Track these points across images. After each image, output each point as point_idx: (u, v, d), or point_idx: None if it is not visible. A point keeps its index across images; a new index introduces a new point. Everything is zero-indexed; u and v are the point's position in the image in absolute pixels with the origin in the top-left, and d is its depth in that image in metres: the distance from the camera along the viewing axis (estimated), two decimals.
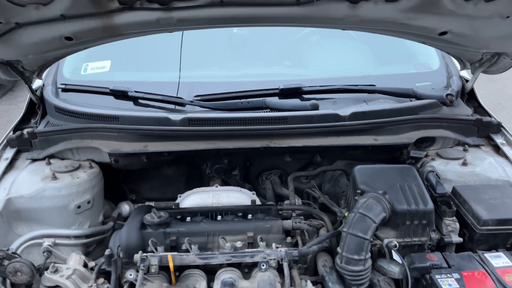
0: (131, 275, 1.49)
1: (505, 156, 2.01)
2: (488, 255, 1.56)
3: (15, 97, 6.61)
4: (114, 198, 2.17)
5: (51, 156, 2.00)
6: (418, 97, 2.09)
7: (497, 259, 1.55)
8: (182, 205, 1.95)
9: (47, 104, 2.13)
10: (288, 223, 1.74)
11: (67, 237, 1.83)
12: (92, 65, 2.34)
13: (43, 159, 1.98)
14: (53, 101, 2.08)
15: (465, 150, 2.03)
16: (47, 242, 1.76)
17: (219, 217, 1.81)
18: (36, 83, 2.19)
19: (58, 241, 1.80)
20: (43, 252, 1.72)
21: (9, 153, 1.99)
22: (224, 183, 2.22)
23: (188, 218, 1.79)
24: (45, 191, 1.78)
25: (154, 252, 1.57)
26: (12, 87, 6.88)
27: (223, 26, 1.81)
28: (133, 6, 1.63)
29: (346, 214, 1.70)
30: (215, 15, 1.67)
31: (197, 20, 1.69)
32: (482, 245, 1.65)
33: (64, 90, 2.16)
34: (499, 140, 2.10)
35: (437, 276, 1.47)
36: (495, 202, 1.69)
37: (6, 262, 1.57)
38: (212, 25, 1.76)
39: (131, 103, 2.09)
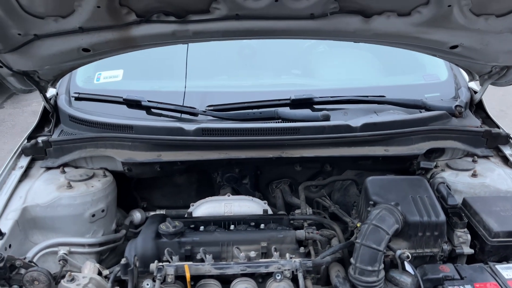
0: (148, 284, 1.50)
1: None
2: (499, 267, 1.58)
3: (19, 101, 6.65)
4: (125, 205, 2.19)
5: (65, 165, 2.02)
6: (427, 108, 2.12)
7: (508, 271, 1.57)
8: (194, 214, 1.97)
9: (61, 113, 2.15)
10: (301, 233, 1.76)
11: (82, 245, 1.85)
12: (105, 74, 2.37)
13: (58, 167, 2.00)
14: (67, 110, 2.11)
15: (474, 161, 2.06)
16: (62, 251, 1.78)
17: (232, 227, 1.83)
18: (50, 92, 2.21)
19: (73, 249, 1.82)
20: (59, 261, 1.74)
21: (24, 161, 2.01)
22: (235, 191, 2.25)
23: (202, 227, 1.82)
24: (61, 199, 1.80)
25: (169, 262, 1.59)
26: None
27: (237, 39, 1.84)
28: (150, 19, 1.66)
29: (358, 225, 1.72)
30: (230, 28, 1.70)
31: (212, 32, 1.73)
32: (493, 256, 1.67)
33: (77, 99, 2.18)
34: (507, 151, 2.12)
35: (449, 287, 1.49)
36: (506, 214, 1.71)
37: (23, 271, 1.59)
38: (227, 38, 1.79)
39: (143, 112, 2.11)
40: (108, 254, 2.00)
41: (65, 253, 1.77)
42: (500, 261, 1.65)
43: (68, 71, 2.00)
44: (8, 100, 6.64)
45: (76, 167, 2.04)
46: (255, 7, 1.59)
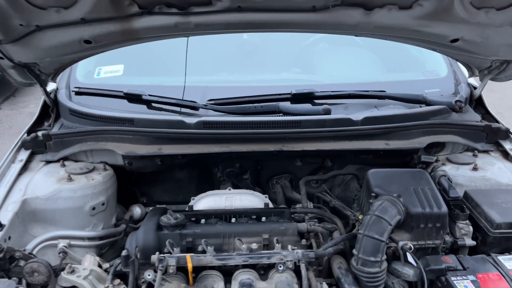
0: (149, 275, 1.49)
1: None
2: (501, 258, 1.58)
3: (17, 102, 6.63)
4: (125, 201, 2.18)
5: (65, 159, 2.01)
6: (428, 103, 2.13)
7: (511, 262, 1.57)
8: (195, 208, 1.96)
9: (61, 107, 2.14)
10: (303, 226, 1.76)
11: (82, 238, 1.84)
12: (106, 69, 2.36)
13: (57, 161, 1.99)
14: (67, 103, 2.10)
15: (474, 155, 2.06)
16: (62, 243, 1.77)
17: (233, 220, 1.83)
18: (50, 87, 2.20)
19: (72, 242, 1.81)
20: (59, 253, 1.73)
21: (24, 155, 2.00)
22: (235, 186, 2.23)
23: (203, 220, 1.81)
24: (61, 192, 1.79)
25: (170, 253, 1.58)
26: (14, 93, 6.89)
27: (240, 31, 1.85)
28: (152, 10, 1.66)
29: (360, 217, 1.72)
30: (232, 20, 1.70)
31: (214, 25, 1.72)
32: (495, 248, 1.67)
33: (78, 93, 2.17)
34: (507, 146, 2.13)
35: (452, 278, 1.48)
36: (507, 206, 1.71)
37: (22, 263, 1.58)
38: (229, 30, 1.79)
39: (144, 106, 2.11)
40: (107, 249, 1.98)
41: (65, 246, 1.76)
42: (502, 252, 1.64)
43: (69, 64, 1.99)
44: (5, 102, 6.62)
45: (76, 161, 2.03)
46: None
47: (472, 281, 1.47)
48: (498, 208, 1.70)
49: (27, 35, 1.69)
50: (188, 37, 1.87)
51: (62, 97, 2.15)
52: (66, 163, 1.98)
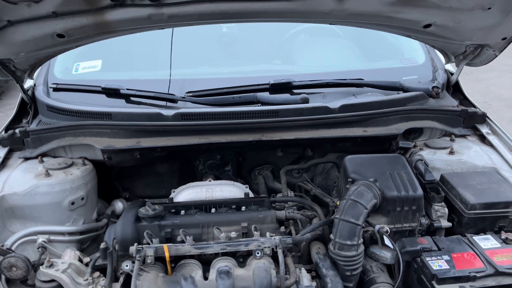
0: (127, 266, 1.49)
1: (490, 144, 2.07)
2: (476, 238, 1.61)
3: (3, 105, 6.57)
4: (107, 196, 2.17)
5: (44, 155, 2.00)
6: (405, 89, 2.15)
7: (486, 241, 1.59)
8: (176, 200, 1.96)
9: (38, 104, 2.13)
10: (281, 213, 1.77)
11: (61, 233, 1.83)
12: (83, 65, 2.35)
13: (36, 157, 1.98)
14: (45, 100, 2.09)
15: (452, 140, 2.08)
16: (41, 239, 1.76)
17: (213, 210, 1.83)
18: (27, 83, 2.19)
19: (52, 237, 1.80)
20: (38, 248, 1.72)
21: (1, 152, 1.99)
22: (217, 179, 2.23)
23: (182, 212, 1.81)
24: (39, 187, 1.78)
25: (149, 244, 1.58)
26: (0, 95, 6.84)
27: (214, 22, 1.84)
28: (124, 2, 1.65)
29: (338, 203, 1.73)
30: (205, 10, 1.70)
31: (187, 16, 1.72)
32: (471, 228, 1.69)
33: (55, 89, 2.16)
34: (484, 130, 2.16)
35: (427, 259, 1.51)
36: (482, 187, 1.74)
37: (0, 258, 1.57)
38: (203, 21, 1.79)
39: (123, 101, 2.10)
40: (89, 244, 1.98)
41: (44, 241, 1.75)
42: (477, 233, 1.67)
43: (44, 60, 1.97)
44: None
45: (55, 157, 2.02)
46: None
47: (447, 261, 1.49)
48: (472, 189, 1.73)
49: None
50: (162, 29, 1.86)
51: (40, 94, 2.14)
52: (44, 159, 1.97)
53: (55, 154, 2.03)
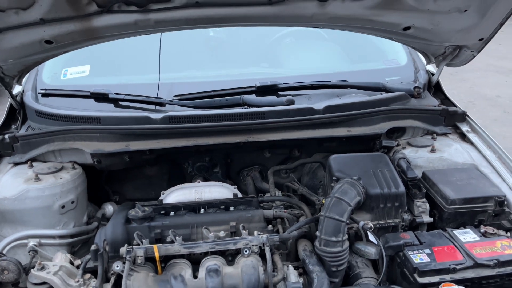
0: (117, 266, 1.52)
1: (470, 142, 2.15)
2: (456, 232, 1.67)
3: None
4: (97, 200, 2.20)
5: (33, 160, 2.02)
6: (387, 90, 2.21)
7: (465, 235, 1.65)
8: (165, 202, 1.99)
9: (27, 109, 2.15)
10: (269, 212, 1.81)
11: (52, 237, 1.85)
12: (72, 70, 2.38)
13: (25, 162, 2.00)
14: (33, 105, 2.11)
15: (433, 138, 2.15)
16: (32, 242, 1.78)
17: (202, 211, 1.87)
18: (16, 89, 2.21)
19: (43, 241, 1.82)
20: (29, 252, 1.74)
21: None
22: (206, 180, 2.27)
23: (172, 213, 1.84)
24: (29, 192, 1.80)
25: (139, 245, 1.61)
26: None
27: (200, 27, 1.87)
28: (111, 9, 1.68)
29: (323, 201, 1.78)
30: (191, 16, 1.74)
31: (174, 21, 1.76)
32: (451, 223, 1.75)
33: (44, 95, 2.18)
34: (464, 128, 2.23)
35: (409, 253, 1.56)
36: (462, 183, 1.80)
37: None
38: (189, 26, 1.82)
39: (111, 105, 2.13)
40: (80, 247, 2.00)
41: (34, 245, 1.77)
42: (457, 227, 1.73)
43: (33, 66, 1.99)
44: None
45: (44, 162, 2.04)
46: None
47: (428, 254, 1.55)
48: (453, 185, 1.79)
49: None
50: (149, 34, 1.90)
51: (28, 99, 2.16)
52: (34, 164, 1.99)
53: (45, 158, 2.05)
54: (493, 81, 7.52)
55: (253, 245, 1.59)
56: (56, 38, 1.76)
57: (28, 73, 2.15)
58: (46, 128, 2.05)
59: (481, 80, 7.55)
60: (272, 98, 2.13)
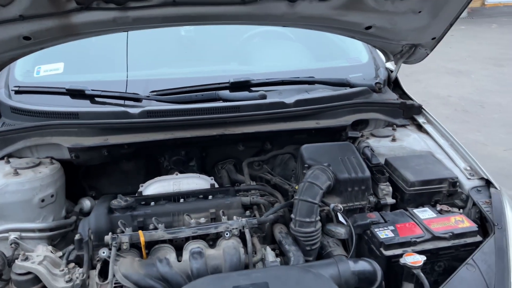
0: (104, 252, 1.58)
1: (426, 132, 2.35)
2: (416, 211, 1.85)
3: None
4: (73, 196, 2.22)
5: (9, 156, 2.03)
6: (351, 85, 2.38)
7: (424, 213, 1.83)
8: (144, 194, 2.05)
9: (1, 106, 2.15)
10: (246, 199, 1.92)
11: (32, 230, 1.86)
12: (45, 68, 2.39)
13: (1, 158, 2.00)
14: (8, 102, 2.11)
15: (393, 129, 2.34)
16: (13, 235, 1.79)
17: (181, 200, 1.95)
18: None
19: (23, 234, 1.83)
20: (11, 244, 1.76)
21: None
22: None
23: (152, 203, 1.91)
24: (8, 186, 1.82)
25: (123, 232, 1.67)
26: None
27: (176, 25, 1.96)
28: (90, 6, 1.73)
29: (296, 187, 1.91)
30: (168, 14, 1.82)
31: (151, 19, 1.83)
32: (411, 204, 1.93)
33: (17, 92, 2.19)
34: (421, 120, 2.44)
35: (376, 230, 1.72)
36: (420, 168, 1.99)
37: None
38: (166, 24, 1.90)
39: (87, 101, 2.17)
40: (59, 241, 2.02)
41: (16, 237, 1.79)
42: (417, 207, 1.91)
43: (8, 62, 2.00)
44: None
45: (21, 158, 2.05)
46: None
47: (392, 230, 1.71)
48: (412, 170, 1.97)
49: None
50: (127, 31, 1.97)
51: (2, 96, 2.16)
52: (10, 159, 2.00)
53: (21, 154, 2.06)
54: (445, 82, 8.00)
55: (233, 228, 1.69)
56: (34, 34, 1.78)
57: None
58: (22, 124, 2.06)
59: (433, 81, 8.02)
60: (245, 94, 2.25)
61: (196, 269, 1.58)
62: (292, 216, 1.76)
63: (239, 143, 2.37)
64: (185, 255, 1.63)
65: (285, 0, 1.86)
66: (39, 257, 1.64)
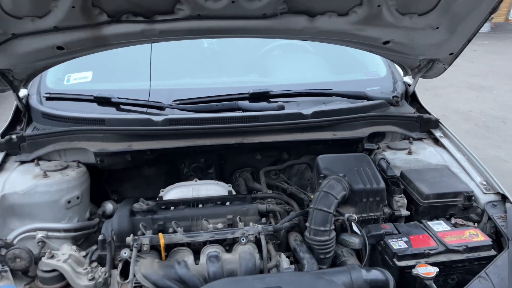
0: (125, 253, 1.65)
1: (442, 146, 2.37)
2: (430, 223, 1.87)
3: None
4: (97, 199, 2.31)
5: (39, 159, 2.14)
6: (369, 98, 2.43)
7: (438, 226, 1.85)
8: (165, 198, 2.13)
9: (33, 111, 2.27)
10: (262, 206, 1.98)
11: (58, 230, 1.96)
12: (75, 76, 2.51)
13: (32, 161, 2.11)
14: (40, 108, 2.23)
15: (410, 142, 2.37)
16: (40, 234, 1.89)
17: (200, 206, 2.01)
18: (21, 93, 2.32)
19: (49, 234, 1.92)
20: (38, 242, 1.85)
21: None
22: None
23: (172, 208, 1.99)
24: (38, 187, 1.92)
25: (144, 234, 1.75)
26: None
27: (200, 37, 2.06)
28: (120, 19, 1.84)
29: (311, 196, 1.96)
30: (193, 27, 1.91)
31: (177, 31, 1.93)
32: (426, 216, 1.95)
33: (48, 98, 2.31)
34: (437, 133, 2.46)
35: (389, 240, 1.74)
36: (435, 181, 2.01)
37: (3, 251, 1.70)
38: (191, 36, 2.00)
39: (113, 109, 2.28)
40: (82, 241, 2.11)
41: (43, 236, 1.88)
42: (431, 219, 1.93)
43: (41, 70, 2.13)
44: None
45: (50, 161, 2.16)
46: (215, 7, 1.81)
47: (405, 242, 1.74)
48: (427, 183, 2.00)
49: (4, 42, 1.83)
50: (153, 43, 2.06)
51: (34, 102, 2.28)
52: (40, 162, 2.11)
53: (50, 157, 2.17)
54: (466, 96, 7.92)
55: (249, 234, 1.75)
56: (67, 44, 1.90)
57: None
58: (52, 128, 2.17)
59: (454, 95, 7.94)
60: (264, 104, 2.32)
61: (213, 272, 1.63)
62: (307, 224, 1.81)
63: (257, 152, 2.43)
64: (202, 258, 1.69)
65: (305, 15, 1.93)
66: (64, 256, 1.72)
